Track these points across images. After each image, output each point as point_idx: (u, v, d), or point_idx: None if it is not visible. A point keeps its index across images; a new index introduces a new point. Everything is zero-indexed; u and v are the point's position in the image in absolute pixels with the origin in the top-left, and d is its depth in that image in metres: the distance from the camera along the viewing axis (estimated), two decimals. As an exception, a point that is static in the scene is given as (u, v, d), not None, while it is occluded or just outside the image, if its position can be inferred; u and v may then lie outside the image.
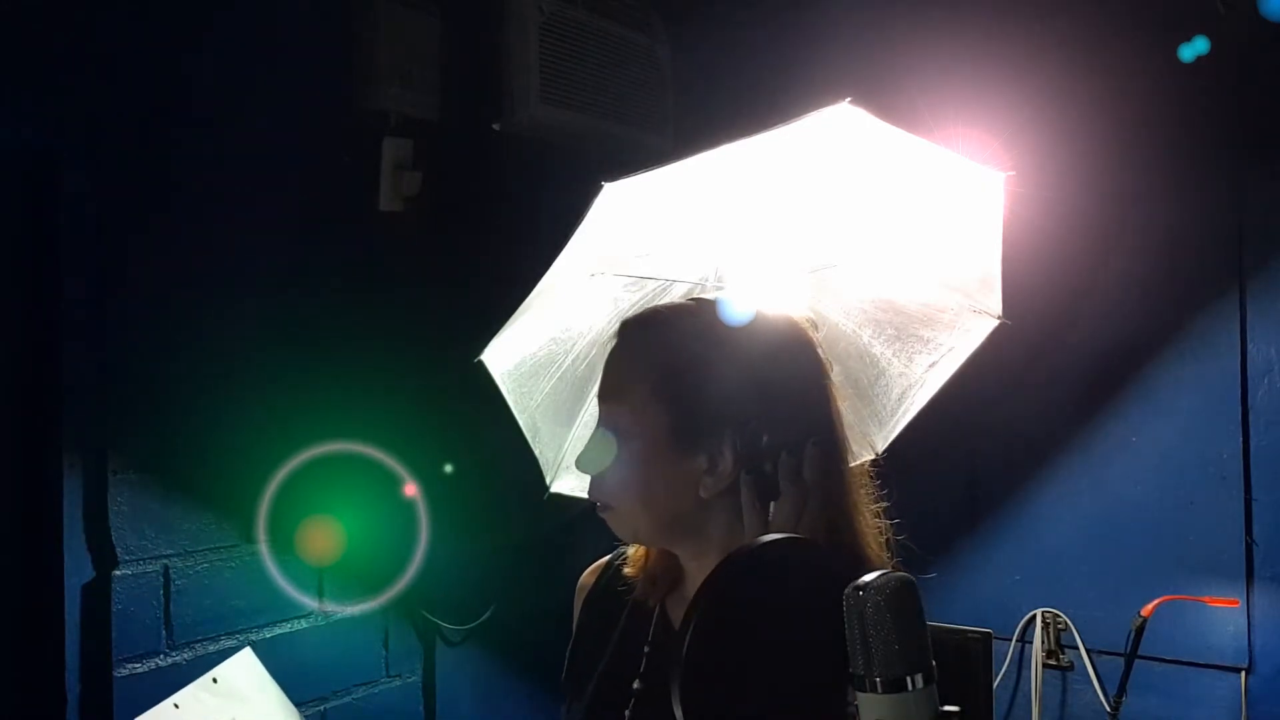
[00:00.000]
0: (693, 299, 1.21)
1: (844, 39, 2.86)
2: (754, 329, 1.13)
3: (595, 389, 1.36)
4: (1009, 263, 1.26)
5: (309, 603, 2.33)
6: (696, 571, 1.15)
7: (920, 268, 1.29)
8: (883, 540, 1.14)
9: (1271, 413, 2.56)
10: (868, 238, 1.28)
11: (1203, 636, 2.60)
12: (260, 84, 2.25)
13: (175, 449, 2.10)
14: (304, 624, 2.32)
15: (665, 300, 1.30)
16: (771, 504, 1.07)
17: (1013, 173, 1.22)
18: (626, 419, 1.11)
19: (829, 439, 1.11)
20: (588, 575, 1.32)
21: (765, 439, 1.07)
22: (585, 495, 1.39)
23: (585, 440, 1.37)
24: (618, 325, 1.18)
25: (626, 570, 1.24)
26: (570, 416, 1.36)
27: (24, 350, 1.97)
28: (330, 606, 2.37)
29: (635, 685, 1.16)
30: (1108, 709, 2.62)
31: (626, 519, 1.14)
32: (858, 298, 1.29)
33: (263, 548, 2.23)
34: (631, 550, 1.25)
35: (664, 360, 1.11)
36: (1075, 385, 2.78)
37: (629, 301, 1.31)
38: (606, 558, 1.31)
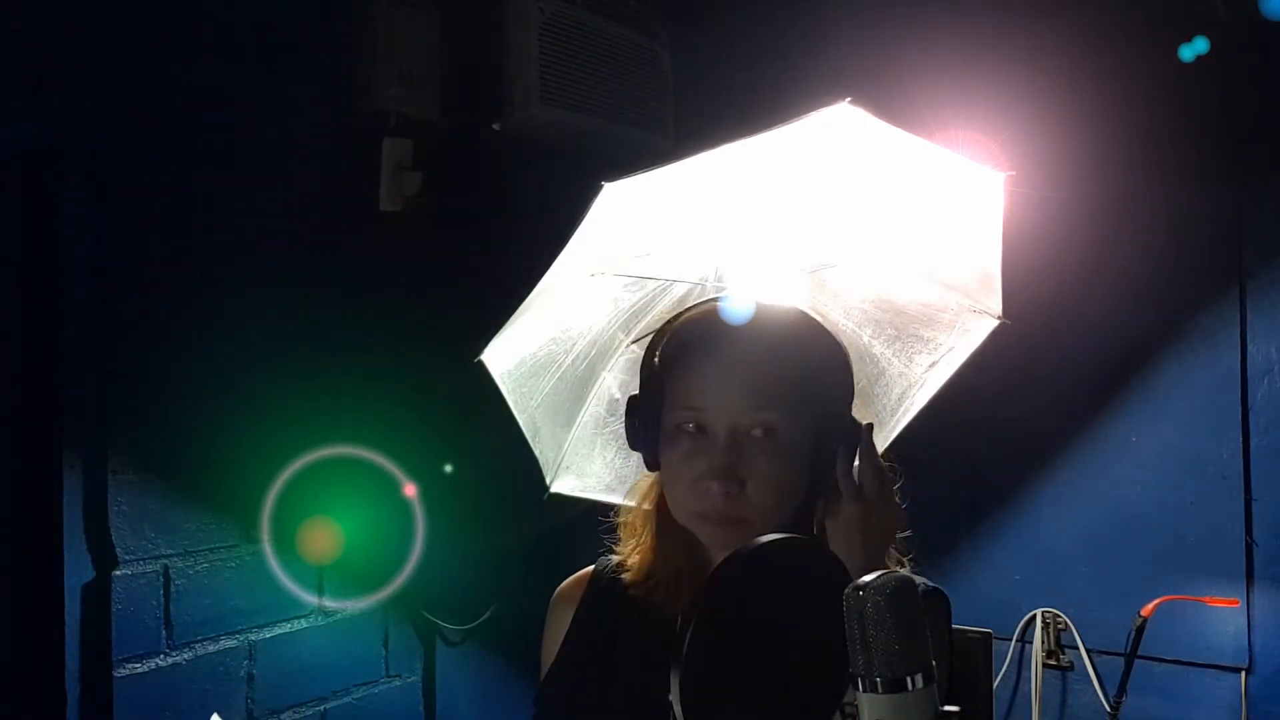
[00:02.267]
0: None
1: (844, 39, 2.85)
2: (818, 327, 1.19)
3: (595, 389, 1.35)
4: (1009, 263, 1.26)
5: (309, 602, 2.33)
6: None
7: (920, 268, 1.29)
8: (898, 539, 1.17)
9: (1271, 413, 2.56)
10: (868, 237, 1.28)
11: (1203, 636, 2.60)
12: (260, 84, 2.25)
13: (175, 449, 2.10)
14: (304, 624, 2.32)
15: (668, 300, 1.30)
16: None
17: (1013, 173, 1.22)
18: (776, 426, 1.11)
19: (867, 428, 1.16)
20: (572, 586, 1.29)
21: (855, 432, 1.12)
22: (585, 495, 1.38)
23: (585, 440, 1.37)
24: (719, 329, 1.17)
25: (625, 576, 1.22)
26: (570, 416, 1.36)
27: (24, 350, 1.97)
28: (330, 606, 2.37)
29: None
30: (1108, 709, 2.62)
31: (761, 531, 1.12)
32: (858, 298, 1.29)
33: (263, 548, 2.23)
34: (633, 559, 1.22)
35: (789, 367, 1.14)
36: (1075, 385, 2.77)
37: (629, 301, 1.31)
38: (589, 569, 1.29)
